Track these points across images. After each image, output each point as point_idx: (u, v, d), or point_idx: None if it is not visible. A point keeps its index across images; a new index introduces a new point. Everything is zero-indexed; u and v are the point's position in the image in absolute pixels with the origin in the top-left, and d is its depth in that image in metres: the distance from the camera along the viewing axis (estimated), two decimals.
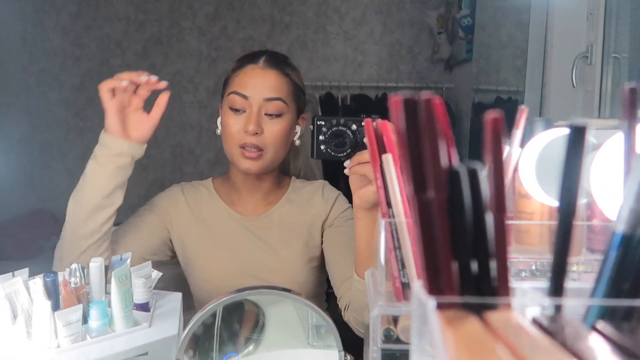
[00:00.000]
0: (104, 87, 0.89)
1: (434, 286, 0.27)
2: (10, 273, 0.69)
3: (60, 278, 0.68)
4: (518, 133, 0.49)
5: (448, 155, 0.26)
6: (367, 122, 0.56)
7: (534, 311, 0.28)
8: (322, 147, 0.82)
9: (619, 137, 0.41)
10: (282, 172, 1.15)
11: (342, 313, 0.98)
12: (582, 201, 0.27)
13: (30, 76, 3.15)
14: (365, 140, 0.79)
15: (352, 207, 1.09)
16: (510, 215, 0.53)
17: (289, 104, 1.02)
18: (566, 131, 0.47)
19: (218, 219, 1.08)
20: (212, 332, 0.77)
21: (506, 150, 0.50)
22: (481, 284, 0.27)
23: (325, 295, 1.18)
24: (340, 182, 0.94)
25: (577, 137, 0.25)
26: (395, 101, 0.26)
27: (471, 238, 0.27)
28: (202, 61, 3.16)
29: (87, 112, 3.18)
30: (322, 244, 1.09)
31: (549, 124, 0.50)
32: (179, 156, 3.21)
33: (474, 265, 0.27)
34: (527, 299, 0.27)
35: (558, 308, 0.27)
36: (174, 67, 3.15)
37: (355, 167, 0.81)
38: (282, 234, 1.08)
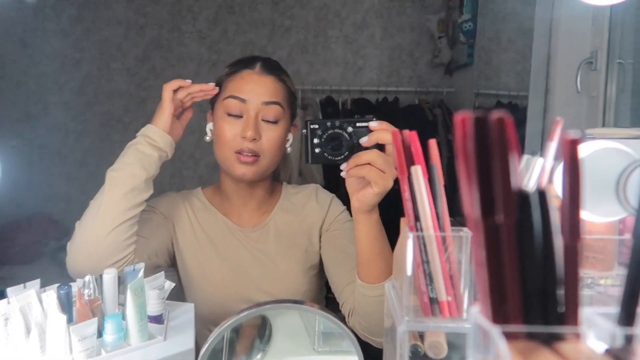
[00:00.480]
0: (170, 87, 0.95)
1: (499, 313, 0.26)
2: (22, 285, 0.67)
3: (74, 289, 0.66)
4: (553, 145, 0.48)
5: (517, 177, 0.25)
6: (394, 133, 0.54)
7: (602, 340, 0.26)
8: (318, 150, 0.79)
9: None
10: (274, 179, 1.13)
11: (346, 319, 0.96)
12: None
13: (30, 79, 3.12)
14: (362, 140, 0.78)
15: (347, 210, 1.07)
16: None
17: (285, 109, 1.00)
18: (606, 144, 0.46)
19: (217, 231, 1.05)
20: (221, 344, 0.75)
21: (539, 161, 0.49)
22: (548, 312, 0.26)
23: (325, 301, 1.16)
24: (341, 186, 0.92)
25: None
26: (463, 119, 0.25)
27: (540, 264, 0.25)
28: (202, 65, 3.15)
29: (86, 116, 3.16)
30: (320, 249, 1.07)
31: (583, 136, 0.49)
32: (179, 160, 3.19)
33: (542, 292, 0.26)
34: (598, 328, 0.26)
35: (630, 338, 0.26)
36: (174, 70, 3.13)
37: (353, 170, 0.78)
38: (280, 244, 1.05)
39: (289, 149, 1.04)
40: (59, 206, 3.04)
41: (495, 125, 0.24)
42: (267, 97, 0.98)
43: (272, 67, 1.02)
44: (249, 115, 0.97)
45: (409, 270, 0.53)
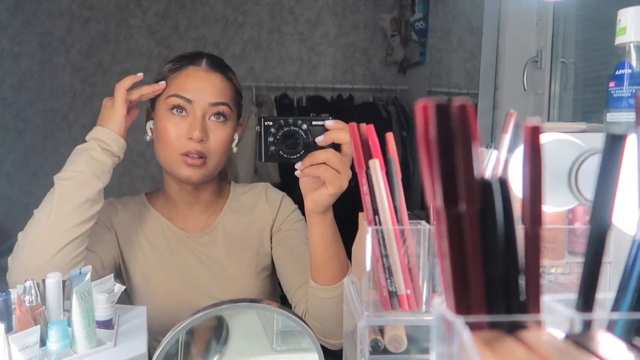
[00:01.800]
0: (123, 87, 0.88)
1: (462, 304, 0.26)
2: None
3: (13, 296, 0.62)
4: (507, 137, 0.48)
5: (479, 166, 0.24)
6: (351, 126, 0.54)
7: (561, 326, 0.27)
8: (272, 148, 0.77)
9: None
10: (221, 179, 1.09)
11: None
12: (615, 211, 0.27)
13: None
14: (318, 139, 0.76)
15: (298, 209, 1.05)
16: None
17: (232, 109, 0.96)
18: (557, 136, 0.47)
19: (162, 238, 1.01)
20: (176, 347, 0.73)
21: (494, 154, 0.50)
22: (510, 300, 0.26)
23: (280, 300, 1.15)
24: (298, 185, 0.84)
25: (614, 147, 0.24)
26: (425, 106, 0.24)
27: (503, 253, 0.25)
28: (153, 60, 3.05)
29: (27, 113, 3.00)
30: (271, 250, 1.04)
31: None
32: (128, 159, 3.06)
33: (504, 282, 0.26)
34: (558, 316, 0.26)
35: (588, 323, 0.26)
36: (123, 66, 3.02)
37: (308, 169, 0.77)
38: (230, 248, 1.02)
39: (234, 149, 1.00)
40: None
41: (457, 113, 0.23)
42: (214, 98, 0.93)
43: (219, 64, 0.98)
44: (195, 116, 0.92)
45: (368, 265, 0.53)
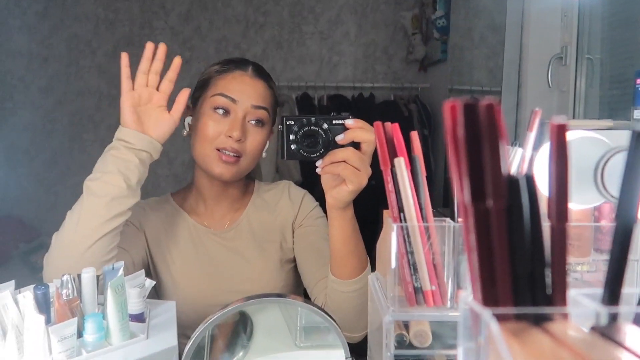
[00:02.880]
0: (123, 75, 0.90)
1: (490, 296, 0.26)
2: None
3: (52, 289, 0.65)
4: (532, 135, 0.49)
5: (506, 163, 0.25)
6: (377, 125, 0.55)
7: (586, 320, 0.27)
8: (293, 147, 0.80)
9: None
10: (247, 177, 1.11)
11: None
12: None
13: None
14: (338, 138, 0.79)
15: (319, 206, 1.09)
16: None
17: (270, 115, 1.01)
18: (583, 134, 0.47)
19: (186, 235, 1.04)
20: (202, 342, 0.75)
21: (519, 152, 0.50)
22: (536, 293, 0.27)
23: (303, 294, 1.17)
24: (318, 183, 0.87)
25: (639, 144, 0.25)
26: (453, 106, 0.25)
27: (529, 247, 0.26)
28: None
29: (55, 115, 3.08)
30: (293, 245, 1.07)
31: None
32: None
33: (530, 275, 0.27)
34: (584, 309, 0.27)
35: (614, 316, 0.26)
36: None
37: (329, 167, 0.79)
38: (254, 241, 1.05)
39: (264, 154, 1.04)
40: (28, 208, 2.96)
41: (485, 112, 0.24)
42: (257, 101, 0.98)
43: (263, 72, 1.03)
44: (237, 116, 0.96)
45: (393, 261, 0.54)
